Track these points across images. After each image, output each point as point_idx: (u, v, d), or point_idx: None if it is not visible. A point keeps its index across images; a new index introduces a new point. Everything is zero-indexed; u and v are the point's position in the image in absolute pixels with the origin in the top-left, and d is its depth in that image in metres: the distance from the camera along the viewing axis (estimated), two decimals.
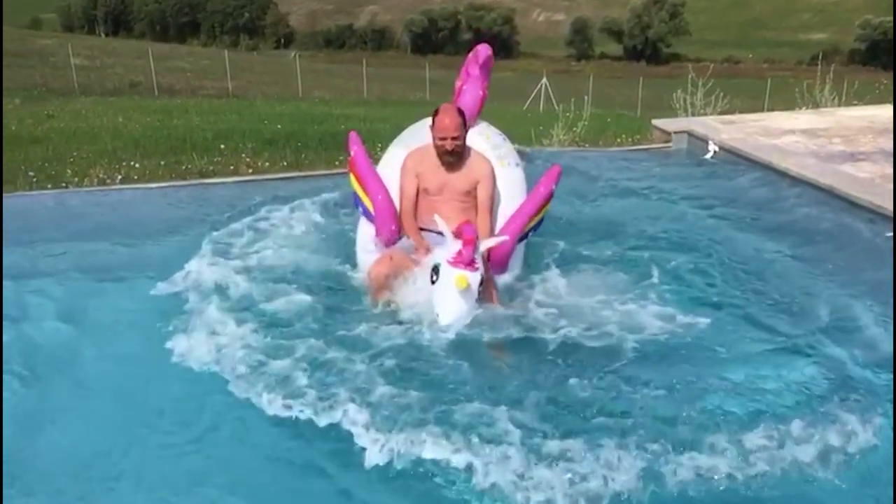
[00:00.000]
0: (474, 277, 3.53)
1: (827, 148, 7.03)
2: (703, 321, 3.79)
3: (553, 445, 2.79)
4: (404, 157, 4.24)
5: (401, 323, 3.67)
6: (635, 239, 5.12)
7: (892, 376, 3.34)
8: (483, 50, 4.67)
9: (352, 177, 4.30)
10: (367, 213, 4.24)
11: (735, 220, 5.52)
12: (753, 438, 2.86)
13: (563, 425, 2.92)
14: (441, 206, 4.01)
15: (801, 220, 5.50)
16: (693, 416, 3.04)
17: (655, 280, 4.33)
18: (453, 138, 3.94)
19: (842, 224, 5.31)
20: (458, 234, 3.62)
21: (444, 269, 3.53)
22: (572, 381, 3.25)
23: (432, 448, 2.77)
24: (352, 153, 4.22)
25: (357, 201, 4.31)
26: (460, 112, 4.04)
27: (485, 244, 3.79)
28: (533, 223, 4.16)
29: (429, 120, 4.14)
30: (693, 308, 3.97)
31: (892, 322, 3.81)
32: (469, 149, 4.15)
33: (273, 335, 3.54)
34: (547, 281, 4.17)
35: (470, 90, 4.61)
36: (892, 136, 7.01)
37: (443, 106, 4.09)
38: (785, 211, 5.72)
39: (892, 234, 4.93)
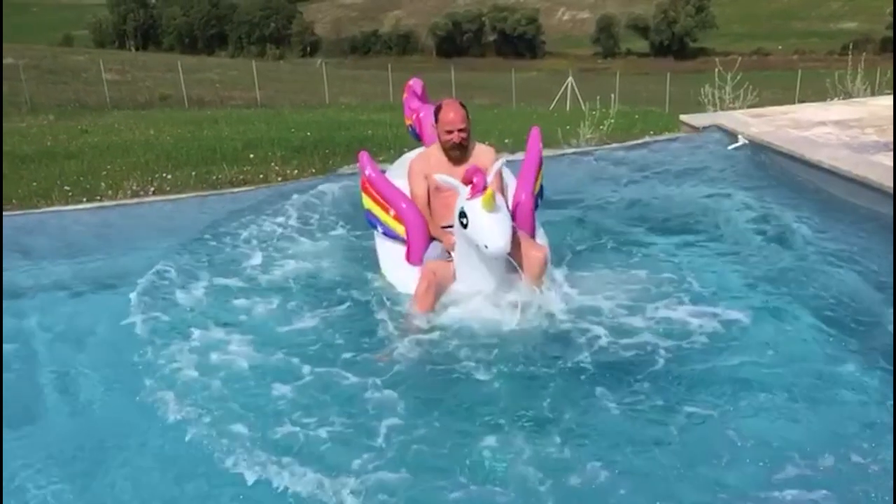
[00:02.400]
0: (496, 194, 3.64)
1: (860, 139, 6.90)
2: (743, 322, 3.67)
3: (583, 490, 2.60)
4: (409, 164, 4.36)
5: (419, 337, 3.67)
6: (666, 233, 5.10)
7: None
8: (416, 84, 5.02)
9: (365, 197, 4.36)
10: (388, 232, 4.28)
11: (765, 214, 5.45)
12: (813, 470, 2.60)
13: (594, 459, 2.76)
14: (454, 201, 4.04)
15: (836, 213, 5.41)
16: (737, 441, 2.83)
17: (689, 277, 4.27)
18: (460, 130, 4.08)
19: (877, 216, 5.22)
20: (466, 180, 3.75)
21: (469, 205, 3.64)
22: (604, 398, 3.15)
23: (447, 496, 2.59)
24: (366, 173, 4.29)
25: (374, 221, 4.35)
26: (463, 105, 4.18)
27: (490, 173, 3.81)
28: (536, 187, 4.36)
29: (409, 155, 4.37)
30: (730, 308, 3.85)
31: None
32: (472, 141, 4.28)
33: (279, 358, 3.52)
34: (575, 279, 4.17)
35: (429, 122, 4.73)
36: None
37: (445, 101, 4.24)
38: (818, 204, 5.64)
39: None
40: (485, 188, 3.61)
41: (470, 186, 3.68)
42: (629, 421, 3.03)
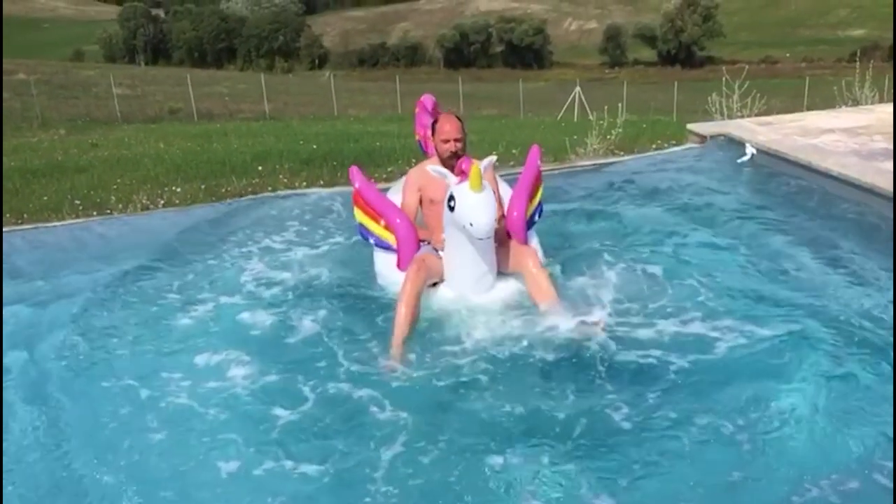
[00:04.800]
0: (483, 180, 3.75)
1: (868, 146, 6.87)
2: (756, 336, 3.62)
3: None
4: (406, 175, 4.50)
5: (422, 353, 3.65)
6: (675, 245, 5.05)
7: None
8: (427, 100, 5.13)
9: (357, 210, 4.46)
10: (380, 243, 4.38)
11: (774, 224, 5.42)
12: (833, 492, 2.53)
13: (606, 477, 2.72)
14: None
15: (846, 222, 5.38)
16: (753, 460, 2.78)
17: (700, 291, 4.21)
18: (456, 140, 4.16)
19: (887, 224, 5.18)
20: (457, 173, 3.92)
21: (457, 189, 3.76)
22: (616, 414, 3.11)
23: None
24: (356, 185, 4.41)
25: (366, 233, 4.44)
26: (458, 118, 4.29)
27: (481, 166, 3.88)
28: (534, 203, 4.46)
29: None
30: (741, 323, 3.79)
31: None
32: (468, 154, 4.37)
33: (275, 377, 3.48)
34: (585, 290, 4.16)
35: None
36: None
37: (442, 115, 4.38)
38: (827, 212, 5.60)
39: None
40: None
41: (460, 176, 3.85)
42: (642, 438, 2.98)
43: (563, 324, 3.76)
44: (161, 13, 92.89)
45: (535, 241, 4.44)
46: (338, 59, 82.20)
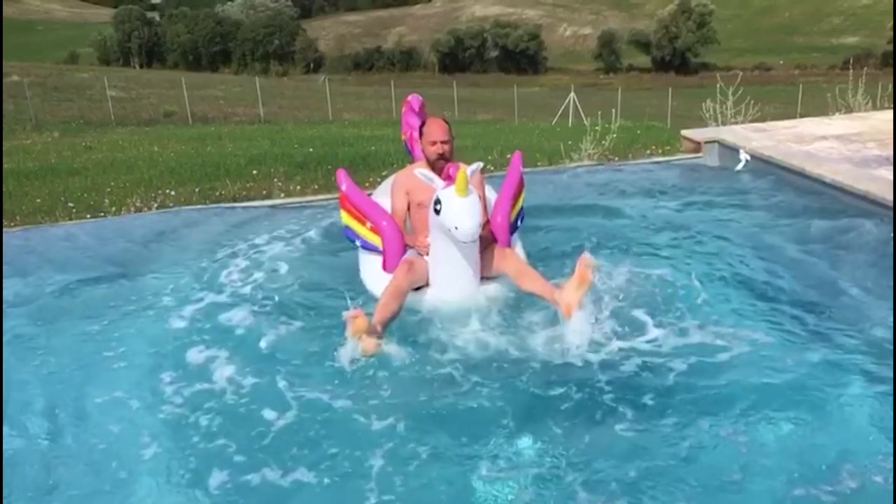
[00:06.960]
0: (469, 185, 3.80)
1: (861, 153, 6.91)
2: (753, 342, 3.62)
3: None
4: (393, 178, 4.54)
5: (414, 358, 3.62)
6: (668, 250, 5.06)
7: None
8: (414, 101, 5.19)
9: (343, 213, 4.50)
10: (366, 245, 4.40)
11: (768, 230, 5.44)
12: (832, 494, 2.54)
13: (603, 483, 2.69)
14: None
15: (839, 228, 5.39)
16: (751, 464, 2.76)
17: (695, 294, 4.20)
18: (443, 142, 4.22)
19: (880, 231, 5.20)
20: (445, 177, 3.96)
21: (443, 193, 3.80)
22: (612, 420, 3.08)
23: None
24: (343, 188, 4.45)
25: (352, 235, 4.48)
26: (446, 120, 4.36)
27: (468, 171, 3.90)
28: (517, 208, 4.52)
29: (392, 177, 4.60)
30: (738, 327, 3.80)
31: None
32: (455, 159, 4.39)
33: (264, 382, 3.45)
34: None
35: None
36: None
37: (429, 118, 4.45)
38: (820, 218, 5.61)
39: None
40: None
41: (447, 181, 3.89)
42: (638, 442, 2.97)
43: (561, 297, 3.74)
44: (156, 16, 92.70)
45: (518, 246, 4.47)
46: (333, 63, 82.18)
